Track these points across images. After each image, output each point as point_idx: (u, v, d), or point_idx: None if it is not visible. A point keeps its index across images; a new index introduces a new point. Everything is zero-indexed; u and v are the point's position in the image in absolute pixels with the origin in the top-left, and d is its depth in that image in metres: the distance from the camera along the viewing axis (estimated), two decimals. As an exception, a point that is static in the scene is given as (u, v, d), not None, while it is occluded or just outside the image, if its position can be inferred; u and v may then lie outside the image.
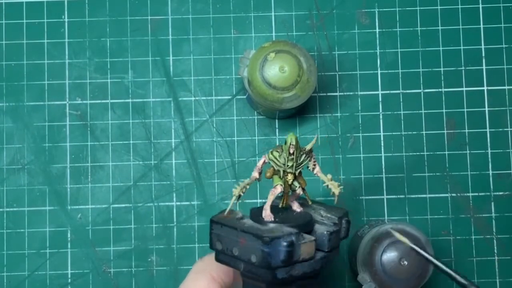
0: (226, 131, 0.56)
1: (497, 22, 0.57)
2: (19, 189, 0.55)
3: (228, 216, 0.39)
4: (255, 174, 0.39)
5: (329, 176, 0.40)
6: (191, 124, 0.56)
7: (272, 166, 0.39)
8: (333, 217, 0.39)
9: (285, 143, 0.38)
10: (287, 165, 0.38)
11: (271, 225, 0.37)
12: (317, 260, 0.37)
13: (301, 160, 0.39)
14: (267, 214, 0.38)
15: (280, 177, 0.39)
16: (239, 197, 0.38)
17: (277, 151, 0.39)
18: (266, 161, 0.39)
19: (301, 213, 0.40)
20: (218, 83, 0.56)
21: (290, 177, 0.39)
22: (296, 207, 0.40)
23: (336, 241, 0.38)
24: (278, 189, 0.39)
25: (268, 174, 0.39)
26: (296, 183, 0.39)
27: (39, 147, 0.56)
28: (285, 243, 0.35)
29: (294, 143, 0.38)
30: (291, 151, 0.38)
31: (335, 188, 0.39)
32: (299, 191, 0.40)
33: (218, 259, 0.38)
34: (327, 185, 0.40)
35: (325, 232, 0.38)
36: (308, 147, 0.39)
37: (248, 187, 0.39)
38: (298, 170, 0.39)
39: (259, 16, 0.57)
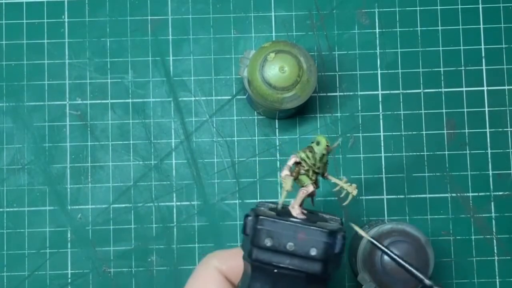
0: (226, 131, 0.56)
1: (497, 22, 0.57)
2: (19, 189, 0.55)
3: (266, 211, 0.39)
4: (286, 172, 0.39)
5: (344, 179, 0.40)
6: (191, 124, 0.56)
7: (298, 167, 0.39)
8: (331, 225, 0.38)
9: (317, 143, 0.39)
10: (317, 166, 0.39)
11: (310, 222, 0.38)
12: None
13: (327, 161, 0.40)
14: (298, 213, 0.38)
15: (309, 177, 0.39)
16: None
17: (310, 151, 0.39)
18: (297, 160, 0.39)
19: (308, 216, 0.40)
20: (218, 83, 0.56)
21: (314, 178, 0.39)
22: (298, 212, 0.40)
23: (330, 256, 0.38)
24: (310, 188, 0.39)
25: (294, 174, 0.39)
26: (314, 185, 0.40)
27: (39, 147, 0.56)
28: (341, 235, 0.37)
29: (329, 143, 0.38)
30: (325, 152, 0.39)
31: (353, 190, 0.40)
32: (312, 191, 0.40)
33: (256, 259, 0.37)
34: (341, 188, 0.40)
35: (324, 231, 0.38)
36: (332, 146, 0.39)
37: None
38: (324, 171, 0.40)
39: (259, 16, 0.57)
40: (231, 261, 0.40)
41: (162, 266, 0.55)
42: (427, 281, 0.41)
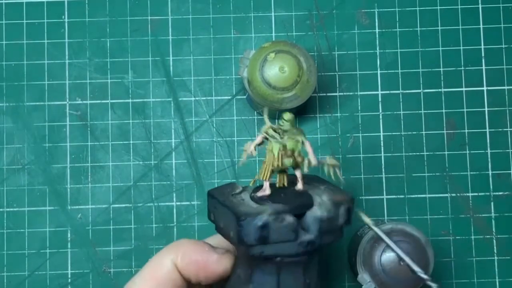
0: (226, 131, 0.56)
1: (497, 22, 0.57)
2: (19, 189, 0.55)
3: (227, 188, 0.39)
4: (251, 147, 0.40)
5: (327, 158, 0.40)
6: (191, 124, 0.56)
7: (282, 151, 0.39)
8: (329, 203, 0.38)
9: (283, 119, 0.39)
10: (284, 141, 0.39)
11: (258, 205, 0.37)
12: (302, 242, 0.37)
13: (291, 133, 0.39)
14: (261, 191, 0.38)
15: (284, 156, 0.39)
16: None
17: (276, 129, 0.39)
18: (264, 136, 0.39)
19: (302, 193, 0.39)
20: (218, 83, 0.56)
21: (289, 143, 0.39)
22: (299, 185, 0.40)
23: (329, 227, 0.38)
24: (258, 139, 0.39)
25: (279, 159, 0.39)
26: (289, 160, 0.39)
27: (39, 147, 0.56)
28: (259, 224, 0.36)
29: (286, 117, 0.39)
30: (281, 123, 0.39)
31: (334, 161, 0.40)
32: (308, 162, 0.39)
33: (216, 230, 0.39)
34: (323, 165, 0.40)
35: (316, 218, 0.37)
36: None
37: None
38: (287, 141, 0.39)
39: (259, 16, 0.57)
40: (193, 255, 0.39)
41: (162, 266, 0.55)
42: (424, 276, 0.42)
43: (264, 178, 0.39)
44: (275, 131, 0.39)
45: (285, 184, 0.40)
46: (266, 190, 0.38)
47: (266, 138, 0.39)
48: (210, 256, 0.39)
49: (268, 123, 0.40)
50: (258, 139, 0.39)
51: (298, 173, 0.40)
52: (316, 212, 0.38)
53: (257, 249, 0.36)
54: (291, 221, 0.37)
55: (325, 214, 0.38)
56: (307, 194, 0.39)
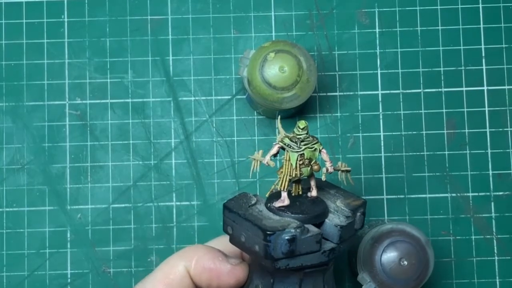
0: (226, 131, 0.56)
1: (497, 22, 0.57)
2: (19, 189, 0.55)
3: (242, 199, 0.39)
4: (268, 159, 0.39)
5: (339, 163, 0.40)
6: (191, 124, 0.56)
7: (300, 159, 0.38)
8: (346, 210, 0.38)
9: (298, 128, 0.38)
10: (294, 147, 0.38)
11: (278, 216, 0.37)
12: (325, 251, 0.37)
13: (310, 144, 0.38)
14: (280, 201, 0.38)
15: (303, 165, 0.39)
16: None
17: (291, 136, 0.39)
18: (281, 146, 0.39)
19: (316, 200, 0.39)
20: (218, 83, 0.56)
21: (306, 152, 0.38)
22: (314, 192, 0.40)
23: (348, 233, 0.38)
24: (274, 148, 0.39)
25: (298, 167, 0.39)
26: (306, 169, 0.39)
27: (38, 147, 0.56)
28: (287, 237, 0.35)
29: (302, 126, 0.38)
30: (297, 132, 0.38)
31: (345, 167, 0.40)
32: (326, 170, 0.39)
33: (231, 242, 0.38)
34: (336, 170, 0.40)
35: (336, 226, 0.37)
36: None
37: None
38: (304, 150, 0.38)
39: (259, 16, 0.57)
40: (206, 263, 0.39)
41: (162, 266, 0.54)
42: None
43: (282, 189, 0.38)
44: (291, 140, 0.38)
45: (300, 192, 0.40)
46: (285, 201, 0.38)
47: (283, 148, 0.38)
48: (224, 265, 0.39)
49: (283, 132, 0.39)
50: (275, 149, 0.38)
51: (312, 181, 0.40)
52: (335, 219, 0.38)
53: (283, 263, 0.36)
54: (316, 232, 0.36)
55: (344, 221, 0.38)
56: (321, 201, 0.39)
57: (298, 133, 0.38)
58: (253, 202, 0.39)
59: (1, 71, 0.56)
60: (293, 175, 0.38)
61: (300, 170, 0.38)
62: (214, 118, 0.56)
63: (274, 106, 0.50)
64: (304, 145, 0.38)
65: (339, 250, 0.38)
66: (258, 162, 0.39)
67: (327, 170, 0.39)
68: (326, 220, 0.38)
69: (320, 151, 0.39)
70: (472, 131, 0.56)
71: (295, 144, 0.38)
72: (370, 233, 0.48)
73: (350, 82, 0.56)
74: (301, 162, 0.38)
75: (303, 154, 0.38)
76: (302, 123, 0.38)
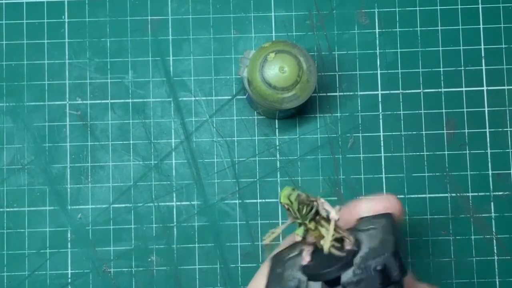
0: (226, 131, 0.56)
1: (497, 22, 0.57)
2: (19, 189, 0.55)
3: (291, 250, 0.38)
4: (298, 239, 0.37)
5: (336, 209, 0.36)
6: (191, 124, 0.56)
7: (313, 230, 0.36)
8: (362, 265, 0.33)
9: (326, 217, 0.36)
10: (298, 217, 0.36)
11: (300, 273, 0.36)
12: None
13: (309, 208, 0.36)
14: (303, 259, 0.37)
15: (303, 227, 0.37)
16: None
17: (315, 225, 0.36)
18: (301, 235, 0.37)
19: (343, 253, 0.36)
20: (218, 83, 0.56)
21: (311, 225, 0.36)
22: (347, 245, 0.36)
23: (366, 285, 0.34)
24: (297, 238, 0.36)
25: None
26: (322, 229, 0.36)
27: (39, 147, 0.56)
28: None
29: (282, 201, 0.35)
30: (286, 207, 0.35)
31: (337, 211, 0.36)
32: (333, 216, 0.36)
33: None
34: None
35: (343, 283, 0.34)
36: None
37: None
38: (310, 218, 0.36)
39: (259, 16, 0.57)
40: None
41: (162, 266, 0.55)
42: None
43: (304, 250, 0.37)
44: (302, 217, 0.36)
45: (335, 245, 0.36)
46: (306, 258, 0.37)
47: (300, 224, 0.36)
48: None
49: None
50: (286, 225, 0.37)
51: (344, 233, 0.36)
52: (347, 275, 0.34)
53: None
54: None
55: (356, 277, 0.33)
56: (349, 254, 0.35)
57: (291, 207, 0.35)
58: (294, 253, 0.38)
59: (1, 71, 0.56)
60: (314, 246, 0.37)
61: (319, 242, 0.36)
62: (214, 118, 0.56)
63: (274, 106, 0.50)
64: (305, 220, 0.36)
65: None
66: (274, 235, 0.37)
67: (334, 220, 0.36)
68: (343, 275, 0.34)
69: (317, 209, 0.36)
70: (471, 131, 0.56)
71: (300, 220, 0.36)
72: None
73: (350, 82, 0.56)
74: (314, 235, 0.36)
75: (310, 228, 0.36)
76: (282, 197, 0.35)
